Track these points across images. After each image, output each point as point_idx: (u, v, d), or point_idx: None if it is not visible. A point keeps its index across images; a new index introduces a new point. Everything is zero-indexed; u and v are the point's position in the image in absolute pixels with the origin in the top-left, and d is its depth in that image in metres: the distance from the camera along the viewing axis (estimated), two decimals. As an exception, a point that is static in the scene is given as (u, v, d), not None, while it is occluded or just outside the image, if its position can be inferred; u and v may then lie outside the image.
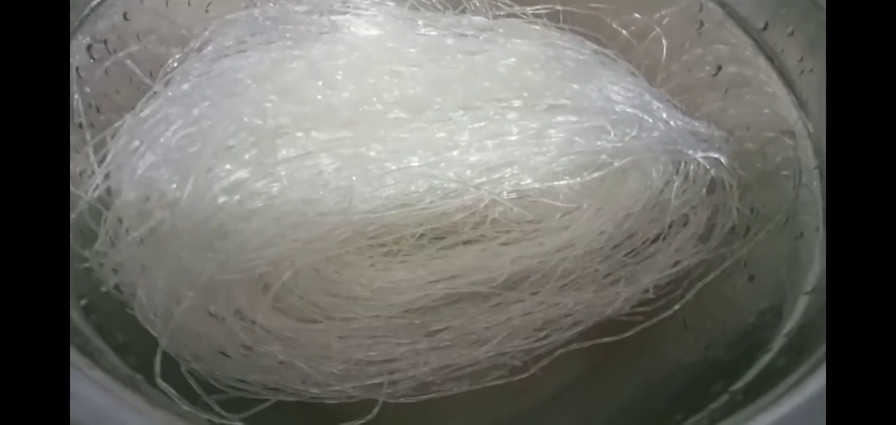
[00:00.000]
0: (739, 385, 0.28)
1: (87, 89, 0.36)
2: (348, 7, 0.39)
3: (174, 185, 0.33)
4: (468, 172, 0.35)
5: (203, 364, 0.32)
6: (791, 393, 0.24)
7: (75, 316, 0.28)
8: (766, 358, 0.28)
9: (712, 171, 0.38)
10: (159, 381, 0.27)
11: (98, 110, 0.37)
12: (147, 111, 0.34)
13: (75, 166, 0.34)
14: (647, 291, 0.36)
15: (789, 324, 0.30)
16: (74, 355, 0.23)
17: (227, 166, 0.32)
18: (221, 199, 0.32)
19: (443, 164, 0.34)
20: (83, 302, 0.31)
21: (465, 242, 0.37)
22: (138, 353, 0.29)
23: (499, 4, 0.42)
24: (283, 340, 0.34)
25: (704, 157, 0.38)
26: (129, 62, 0.37)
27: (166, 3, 0.41)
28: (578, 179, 0.36)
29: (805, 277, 0.32)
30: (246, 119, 0.33)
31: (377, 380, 0.33)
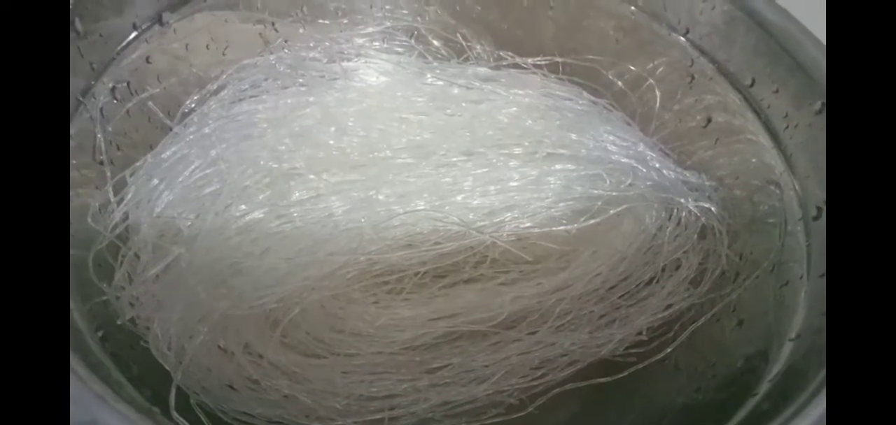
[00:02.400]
0: (727, 428, 0.29)
1: (110, 128, 0.38)
2: (359, 55, 0.42)
3: (190, 223, 0.34)
4: (471, 216, 0.37)
5: (211, 397, 0.33)
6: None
7: (94, 347, 0.29)
8: (752, 402, 0.30)
9: (703, 219, 0.40)
10: (175, 414, 0.28)
11: (118, 148, 0.39)
12: (167, 152, 0.36)
13: (96, 202, 0.35)
14: (640, 333, 0.38)
15: (775, 369, 0.31)
16: (101, 387, 0.24)
17: (243, 206, 0.34)
18: (236, 238, 0.33)
19: (447, 208, 0.36)
20: (100, 333, 0.32)
21: (466, 281, 0.39)
22: (152, 385, 0.30)
23: (501, 55, 0.45)
24: (288, 375, 0.35)
25: (696, 206, 0.40)
26: (150, 103, 0.39)
27: (186, 46, 0.43)
28: (575, 224, 0.38)
29: (790, 323, 0.33)
30: (261, 162, 0.35)
31: (378, 416, 0.34)
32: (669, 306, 0.38)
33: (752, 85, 0.41)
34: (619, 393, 0.37)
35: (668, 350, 0.36)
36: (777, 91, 0.39)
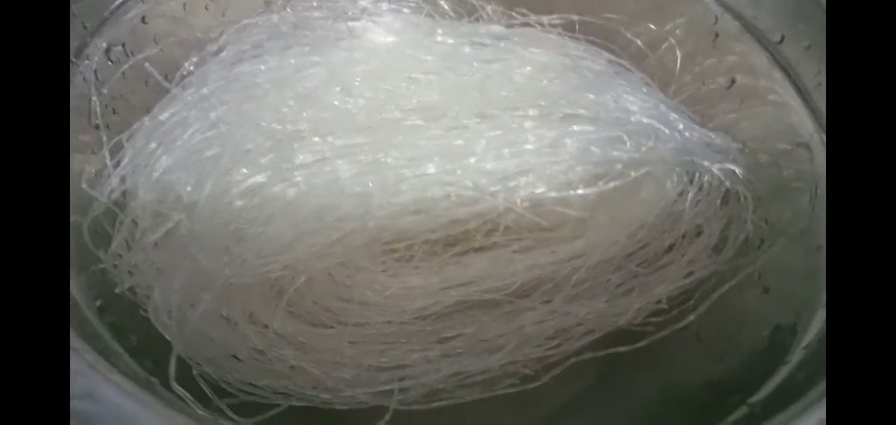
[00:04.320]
0: (758, 397, 0.27)
1: (105, 91, 0.36)
2: (366, 13, 0.40)
3: (190, 188, 0.33)
4: (484, 180, 0.35)
5: (215, 367, 0.32)
6: (814, 407, 0.24)
7: (92, 318, 0.28)
8: (784, 371, 0.28)
9: (727, 183, 0.38)
10: (174, 385, 0.27)
11: (114, 112, 0.37)
12: (165, 114, 0.34)
13: (91, 167, 0.34)
14: (659, 302, 0.36)
15: (808, 338, 0.29)
16: (94, 358, 0.23)
17: (245, 170, 0.32)
18: (238, 203, 0.32)
19: (459, 172, 0.34)
20: (98, 303, 0.30)
21: (478, 249, 0.37)
22: (152, 356, 0.29)
23: (514, 13, 0.43)
24: (295, 345, 0.34)
25: (719, 169, 0.38)
26: (147, 65, 0.37)
27: (184, 6, 0.41)
28: (593, 189, 0.36)
29: (823, 290, 0.32)
30: (264, 124, 0.33)
31: (388, 387, 0.33)
32: (690, 274, 0.37)
33: (780, 42, 0.39)
34: (637, 364, 0.35)
35: (690, 318, 0.35)
36: (809, 47, 0.37)
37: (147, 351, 0.30)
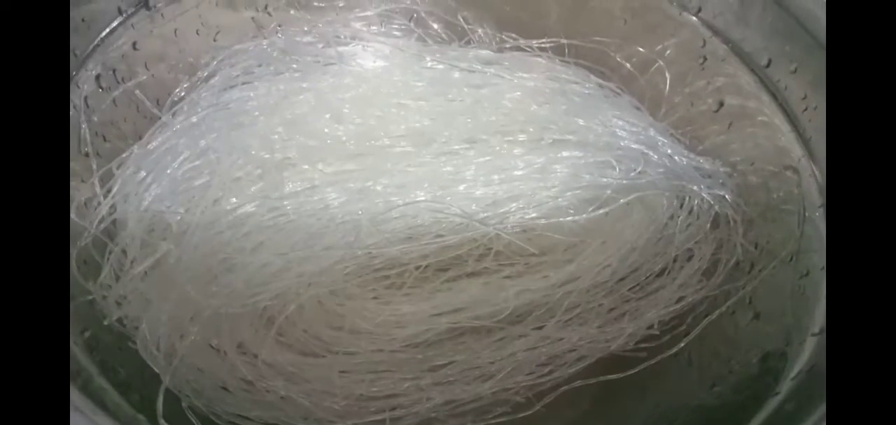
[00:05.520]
0: (749, 429, 0.27)
1: (95, 118, 0.36)
2: (355, 39, 0.40)
3: (180, 217, 0.32)
4: (473, 207, 0.35)
5: (204, 399, 0.32)
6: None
7: (78, 351, 0.28)
8: (774, 403, 0.28)
9: (716, 207, 0.38)
10: (162, 423, 0.27)
11: (105, 139, 0.37)
12: (154, 142, 0.34)
13: (81, 195, 0.34)
14: (651, 327, 0.36)
15: (797, 367, 0.29)
16: (77, 397, 0.23)
17: (234, 199, 0.32)
18: (227, 232, 0.31)
19: (448, 199, 0.34)
20: (86, 334, 0.30)
21: (470, 275, 0.37)
22: (139, 390, 0.29)
23: (504, 38, 0.43)
24: (285, 375, 0.33)
25: (709, 193, 0.38)
26: (137, 92, 0.37)
27: (175, 32, 0.41)
28: (583, 214, 0.36)
29: (812, 317, 0.32)
30: (253, 151, 0.33)
31: (379, 417, 0.33)
32: (681, 298, 0.37)
33: (768, 65, 0.39)
34: (630, 391, 0.35)
35: (681, 344, 0.35)
36: (795, 70, 0.37)
37: (134, 386, 0.29)
